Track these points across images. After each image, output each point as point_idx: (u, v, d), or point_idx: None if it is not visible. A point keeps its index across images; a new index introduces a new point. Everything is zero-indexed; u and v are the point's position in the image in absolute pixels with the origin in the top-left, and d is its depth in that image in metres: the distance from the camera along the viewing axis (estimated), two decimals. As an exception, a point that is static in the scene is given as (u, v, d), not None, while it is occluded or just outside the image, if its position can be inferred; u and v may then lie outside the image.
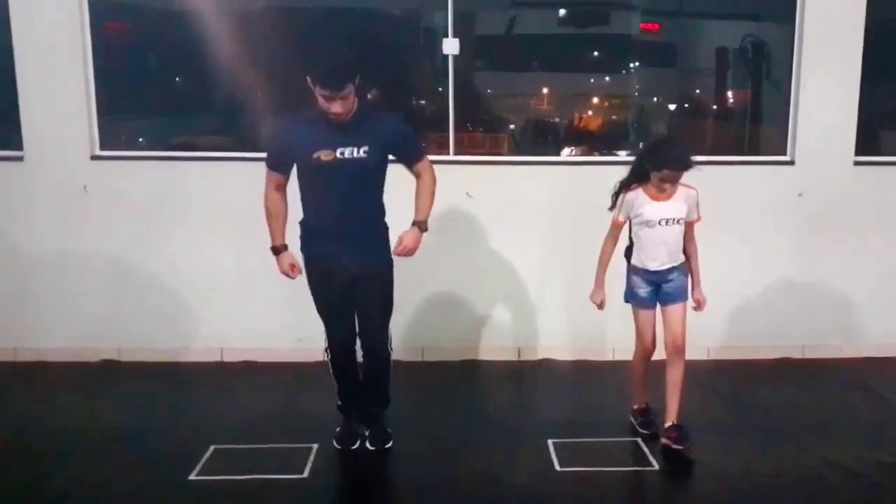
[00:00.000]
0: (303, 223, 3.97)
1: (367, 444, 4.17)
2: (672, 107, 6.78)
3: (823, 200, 5.43)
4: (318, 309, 4.05)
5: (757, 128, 6.20)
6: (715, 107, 6.64)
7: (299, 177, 3.90)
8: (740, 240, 5.44)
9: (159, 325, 5.47)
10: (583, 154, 6.17)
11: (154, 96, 5.84)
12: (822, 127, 5.36)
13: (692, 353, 5.45)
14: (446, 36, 5.34)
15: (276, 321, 5.41)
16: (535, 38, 6.57)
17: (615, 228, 4.16)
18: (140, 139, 5.88)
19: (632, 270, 4.18)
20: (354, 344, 4.13)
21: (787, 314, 5.54)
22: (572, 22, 6.48)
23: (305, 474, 3.91)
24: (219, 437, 4.26)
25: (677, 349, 4.13)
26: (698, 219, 4.13)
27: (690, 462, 4.01)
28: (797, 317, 5.55)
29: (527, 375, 5.39)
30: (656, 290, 4.14)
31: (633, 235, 4.14)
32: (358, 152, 3.76)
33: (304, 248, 3.99)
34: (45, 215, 5.35)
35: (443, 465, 4.03)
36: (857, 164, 5.42)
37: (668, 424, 4.15)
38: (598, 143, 6.38)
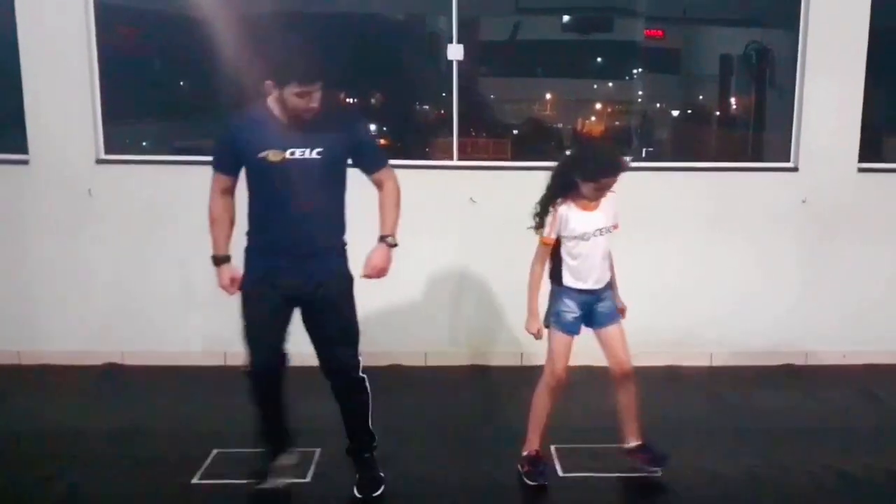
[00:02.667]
0: (248, 233, 3.60)
1: (355, 491, 3.75)
2: (675, 113, 6.79)
3: (827, 207, 5.43)
4: (244, 329, 3.64)
5: (760, 134, 6.20)
6: (718, 113, 6.64)
7: (247, 180, 3.53)
8: (744, 246, 5.44)
9: (162, 328, 5.47)
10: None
11: (159, 101, 5.86)
12: (825, 133, 5.36)
13: (694, 360, 5.49)
14: (451, 42, 5.36)
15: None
16: (539, 44, 6.58)
17: (545, 247, 3.81)
18: (144, 143, 5.90)
19: (562, 292, 3.83)
20: (282, 375, 3.70)
21: (791, 320, 5.53)
22: (576, 28, 6.49)
23: (308, 479, 3.91)
24: (221, 441, 4.26)
25: (625, 373, 3.87)
26: (617, 224, 3.85)
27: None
28: (801, 323, 5.54)
29: (530, 380, 5.36)
30: (588, 313, 3.84)
31: (562, 254, 3.81)
32: (310, 153, 3.40)
33: (247, 261, 3.61)
34: (49, 219, 5.37)
35: (446, 470, 4.03)
36: (861, 170, 5.42)
37: (632, 445, 3.96)
38: (601, 148, 6.38)
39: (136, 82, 5.74)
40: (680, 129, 6.66)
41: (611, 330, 3.85)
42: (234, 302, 5.39)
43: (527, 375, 5.42)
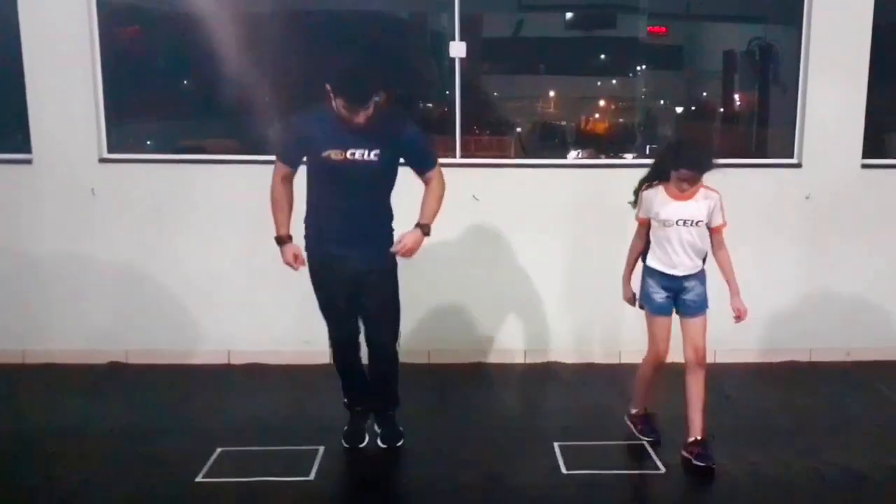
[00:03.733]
0: (307, 220, 3.99)
1: (379, 442, 4.22)
2: (679, 109, 6.77)
3: (830, 203, 5.42)
4: (320, 307, 4.08)
5: (764, 130, 6.18)
6: (722, 109, 6.62)
7: (308, 173, 3.92)
8: (747, 242, 5.41)
9: (166, 327, 5.48)
10: (589, 157, 6.17)
11: (162, 100, 5.86)
12: (829, 129, 5.35)
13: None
14: (453, 39, 5.35)
15: (283, 323, 5.42)
16: (542, 41, 6.57)
17: (640, 227, 4.08)
18: (148, 142, 5.90)
19: (647, 273, 4.06)
20: (357, 343, 4.14)
21: (795, 317, 5.52)
22: (579, 25, 6.48)
23: (312, 477, 3.92)
24: (225, 439, 4.27)
25: (699, 360, 3.99)
26: (723, 224, 3.99)
27: (708, 469, 3.94)
28: (804, 320, 5.54)
29: (533, 378, 5.38)
30: (674, 297, 4.01)
31: (651, 235, 4.02)
32: (368, 155, 3.78)
33: (307, 247, 3.99)
34: (52, 218, 5.38)
35: (449, 468, 4.03)
36: (864, 166, 5.41)
37: (691, 439, 4.01)
38: (604, 146, 6.38)
39: (139, 81, 5.73)
40: (683, 125, 6.64)
41: (693, 321, 4.01)
42: (238, 301, 5.44)
43: (530, 373, 5.46)
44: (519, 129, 6.44)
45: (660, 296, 4.01)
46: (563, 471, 3.98)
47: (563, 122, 6.76)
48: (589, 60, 6.68)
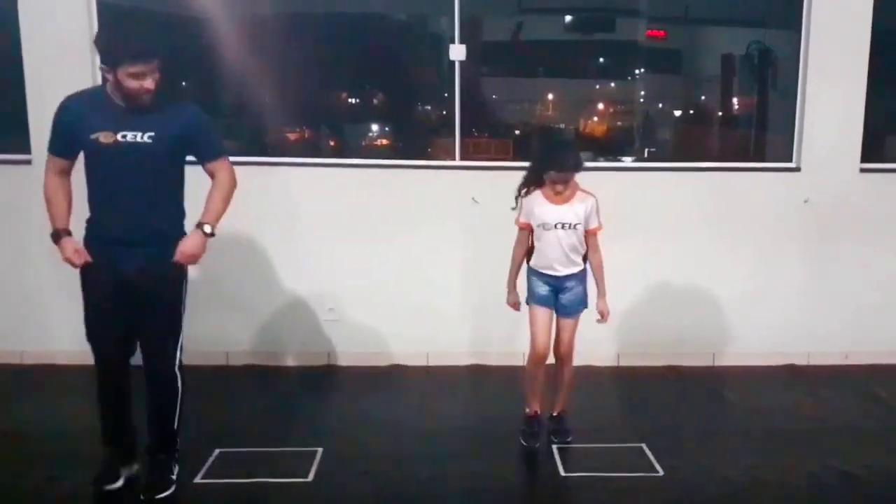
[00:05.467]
0: (87, 221, 3.60)
1: (141, 496, 3.63)
2: (677, 113, 6.79)
3: (829, 207, 5.43)
4: (84, 317, 3.63)
5: (762, 134, 6.20)
6: (720, 113, 6.64)
7: (84, 167, 3.52)
8: (746, 246, 5.45)
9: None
10: (588, 160, 6.16)
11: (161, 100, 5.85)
12: (828, 134, 5.36)
13: (697, 360, 5.49)
14: (453, 42, 5.36)
15: (281, 325, 5.42)
16: (542, 44, 6.59)
17: (521, 231, 4.18)
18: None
19: (530, 272, 4.21)
20: (126, 366, 3.66)
21: (793, 321, 5.53)
22: (578, 28, 6.50)
23: (310, 478, 3.91)
24: (224, 441, 4.27)
25: (562, 355, 4.21)
26: (599, 227, 4.10)
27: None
28: (802, 323, 5.55)
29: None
30: (555, 295, 4.14)
31: (534, 238, 4.14)
32: (142, 137, 3.40)
33: (85, 245, 3.56)
34: (52, 219, 5.37)
35: (447, 470, 4.02)
36: (863, 170, 5.42)
37: (551, 415, 4.32)
38: (603, 149, 6.39)
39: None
40: (682, 129, 6.66)
41: (565, 322, 4.17)
42: (236, 302, 5.44)
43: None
44: (518, 132, 6.45)
45: (543, 289, 4.15)
46: (562, 473, 3.98)
47: (562, 125, 6.77)
48: (588, 64, 6.70)
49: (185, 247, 3.55)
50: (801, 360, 5.58)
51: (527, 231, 4.15)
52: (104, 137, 3.39)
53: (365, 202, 5.31)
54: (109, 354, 3.61)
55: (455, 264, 5.42)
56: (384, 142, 6.34)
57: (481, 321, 5.54)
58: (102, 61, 3.38)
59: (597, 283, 4.17)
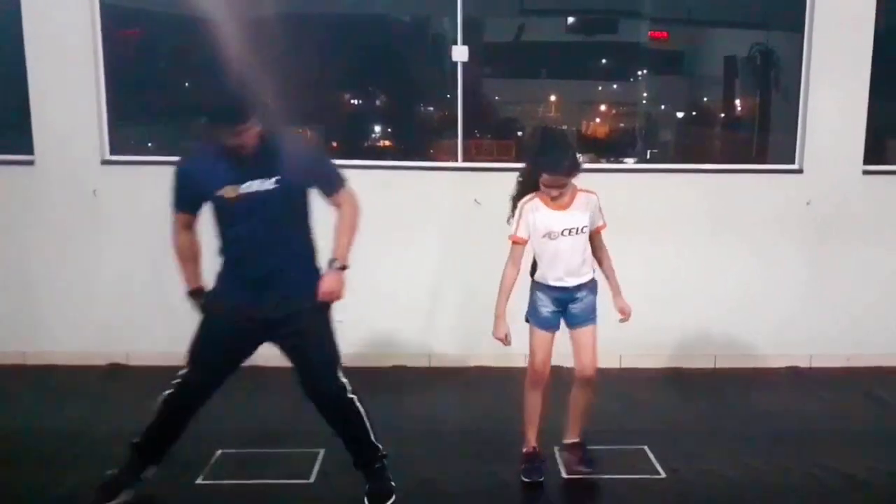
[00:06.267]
0: (220, 267, 3.60)
1: (366, 501, 3.69)
2: (680, 114, 6.78)
3: (832, 209, 5.43)
4: (192, 347, 3.63)
5: (765, 136, 6.20)
6: (723, 115, 6.64)
7: (213, 218, 3.53)
8: (748, 248, 5.44)
9: (167, 329, 5.46)
10: (590, 161, 6.16)
11: (164, 101, 5.87)
12: (830, 135, 5.36)
13: (698, 362, 5.49)
14: (455, 43, 5.37)
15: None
16: (544, 45, 6.59)
17: (515, 248, 3.80)
18: (150, 144, 5.91)
19: (535, 287, 3.86)
20: (206, 398, 3.68)
21: (795, 323, 5.53)
22: (581, 29, 6.49)
23: (312, 479, 3.92)
24: (226, 442, 4.27)
25: (587, 379, 3.86)
26: (603, 225, 3.83)
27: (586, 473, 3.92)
28: (804, 325, 5.54)
29: (533, 382, 5.38)
30: (563, 311, 3.84)
31: (535, 250, 3.80)
32: (265, 184, 3.39)
33: (213, 290, 3.61)
34: (54, 219, 5.39)
35: (449, 472, 4.03)
36: (865, 172, 5.42)
37: (569, 441, 3.99)
38: (605, 150, 6.39)
39: (142, 83, 5.75)
40: (684, 130, 6.65)
41: (581, 332, 3.84)
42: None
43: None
44: (520, 133, 6.45)
45: (547, 309, 3.83)
46: (564, 475, 3.98)
47: (565, 126, 6.76)
48: (590, 65, 6.69)
49: (325, 286, 3.49)
50: (803, 363, 5.58)
51: (522, 247, 3.79)
52: (230, 192, 3.39)
53: (367, 203, 5.28)
54: (203, 381, 3.63)
55: (457, 266, 5.42)
56: (386, 143, 6.34)
57: (483, 322, 5.52)
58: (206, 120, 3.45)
59: (609, 282, 3.88)
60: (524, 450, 3.98)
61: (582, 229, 3.72)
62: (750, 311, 5.50)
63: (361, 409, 3.69)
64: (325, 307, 3.58)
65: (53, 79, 5.27)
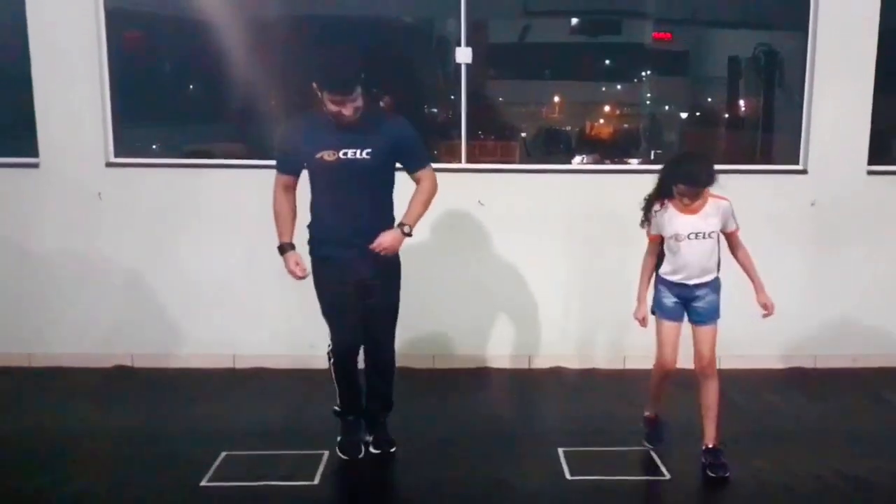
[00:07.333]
0: (311, 226, 4.00)
1: (372, 449, 4.19)
2: (684, 115, 6.77)
3: (836, 209, 5.42)
4: (323, 311, 4.04)
5: (769, 137, 6.19)
6: (727, 115, 6.62)
7: (309, 179, 3.95)
8: (752, 249, 5.38)
9: (172, 331, 5.49)
10: (594, 162, 6.16)
11: (168, 104, 5.88)
12: (835, 136, 5.35)
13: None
14: (459, 44, 5.37)
15: (288, 327, 5.42)
16: (548, 46, 6.58)
17: (651, 243, 4.06)
18: (154, 146, 5.92)
19: (659, 281, 4.07)
20: (358, 348, 4.11)
21: (800, 323, 5.51)
22: (584, 31, 6.48)
23: (316, 481, 3.92)
24: (230, 444, 4.27)
25: (703, 370, 4.01)
26: (737, 228, 4.03)
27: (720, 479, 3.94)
28: (810, 326, 5.53)
29: (538, 384, 5.38)
30: (684, 305, 4.02)
31: (665, 247, 4.02)
32: (361, 153, 3.80)
33: (311, 251, 4.00)
34: (59, 222, 5.40)
35: (453, 473, 4.03)
36: (870, 173, 5.41)
37: (705, 447, 4.05)
38: (609, 151, 6.38)
39: (146, 86, 5.76)
40: (688, 131, 6.64)
41: (702, 329, 4.02)
42: (243, 305, 5.45)
43: (535, 378, 5.46)
44: (524, 134, 6.45)
45: (670, 300, 4.02)
46: (568, 477, 3.97)
47: (568, 128, 6.76)
48: (594, 66, 6.69)
49: (384, 239, 3.86)
50: (808, 363, 5.57)
51: (657, 243, 4.03)
52: (328, 156, 3.79)
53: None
54: (348, 339, 4.03)
55: (460, 267, 5.42)
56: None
57: (486, 323, 5.54)
58: (315, 82, 3.74)
59: (751, 279, 4.05)
60: (646, 413, 4.31)
61: (709, 234, 3.93)
62: (754, 312, 5.46)
63: (395, 368, 4.24)
64: (399, 268, 4.07)
65: (58, 81, 5.28)
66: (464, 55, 5.35)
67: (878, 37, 5.23)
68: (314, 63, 3.90)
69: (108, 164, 5.40)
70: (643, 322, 4.09)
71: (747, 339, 5.50)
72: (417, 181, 4.02)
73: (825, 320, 5.53)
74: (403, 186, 4.07)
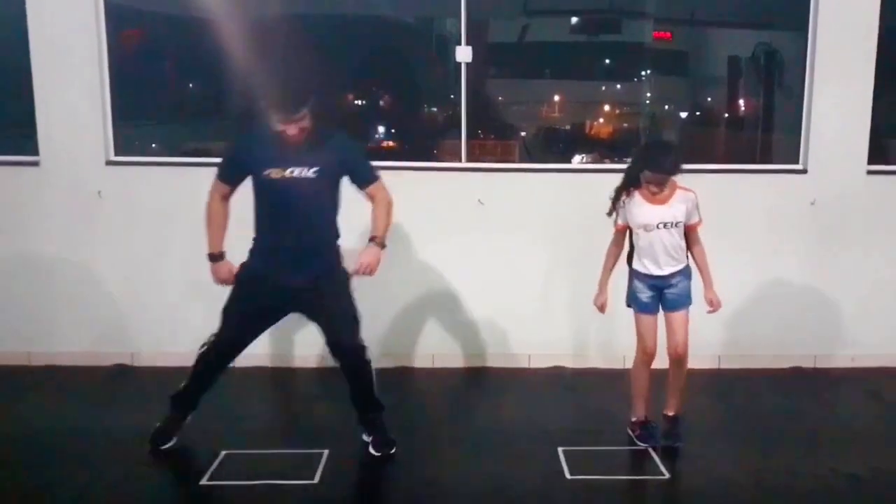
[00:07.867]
0: (255, 238, 4.04)
1: (371, 450, 4.16)
2: (683, 115, 6.78)
3: (836, 209, 5.42)
4: (225, 305, 4.06)
5: (769, 136, 6.19)
6: (727, 115, 6.63)
7: (254, 195, 3.98)
8: (752, 248, 5.43)
9: (172, 329, 5.49)
10: (594, 162, 6.17)
11: (168, 103, 5.88)
12: (834, 135, 5.35)
13: (702, 362, 5.47)
14: (459, 44, 5.37)
15: (288, 326, 5.41)
16: (548, 45, 6.58)
17: (617, 233, 4.17)
18: (154, 145, 5.92)
19: (633, 275, 4.19)
20: (236, 355, 4.19)
21: (799, 323, 5.52)
22: (584, 30, 6.49)
23: (316, 480, 3.92)
24: (230, 443, 4.27)
25: (678, 357, 4.18)
26: (699, 221, 4.13)
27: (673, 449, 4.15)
28: (809, 326, 5.54)
29: (536, 383, 5.39)
30: (659, 295, 4.15)
31: (633, 239, 4.14)
32: (307, 172, 3.85)
33: (248, 260, 4.05)
34: (59, 220, 5.40)
35: (453, 473, 4.03)
36: (869, 172, 5.40)
37: (667, 413, 4.29)
38: (609, 150, 6.39)
39: (146, 84, 5.76)
40: (687, 130, 6.65)
41: (674, 315, 4.15)
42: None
43: (534, 378, 5.46)
44: (524, 133, 6.45)
45: (645, 295, 4.15)
46: (567, 476, 3.97)
47: (568, 127, 6.77)
48: (594, 65, 6.70)
49: (364, 258, 3.91)
50: (807, 363, 5.57)
51: (623, 233, 4.15)
52: (275, 173, 3.86)
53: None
54: (234, 339, 4.09)
55: (460, 266, 5.42)
56: (390, 143, 6.34)
57: (486, 323, 5.54)
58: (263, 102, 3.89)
59: (702, 275, 4.19)
60: (634, 419, 4.35)
61: (676, 224, 4.04)
62: (754, 311, 5.49)
63: (372, 371, 4.13)
64: (345, 276, 4.02)
65: (58, 80, 5.28)
66: (464, 54, 5.35)
67: (878, 37, 5.23)
68: (265, 85, 4.04)
69: (109, 163, 5.40)
70: (601, 309, 4.25)
71: (746, 339, 5.51)
72: (371, 198, 4.02)
73: (825, 320, 5.54)
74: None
